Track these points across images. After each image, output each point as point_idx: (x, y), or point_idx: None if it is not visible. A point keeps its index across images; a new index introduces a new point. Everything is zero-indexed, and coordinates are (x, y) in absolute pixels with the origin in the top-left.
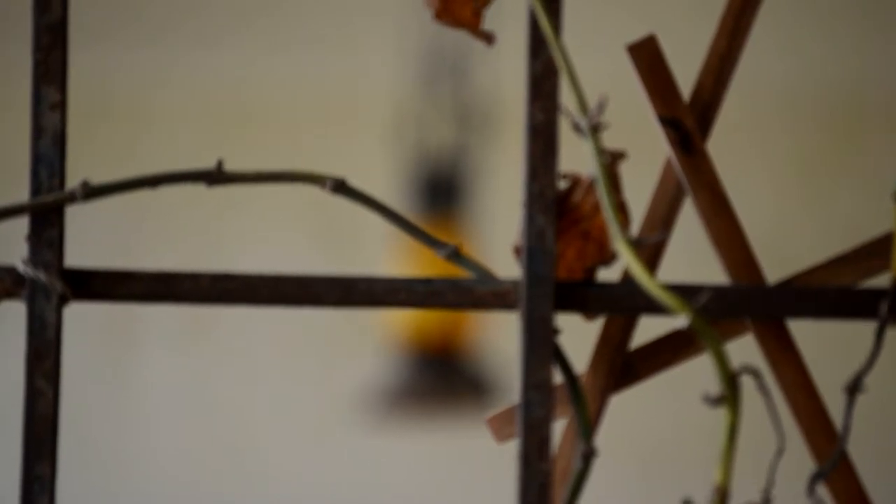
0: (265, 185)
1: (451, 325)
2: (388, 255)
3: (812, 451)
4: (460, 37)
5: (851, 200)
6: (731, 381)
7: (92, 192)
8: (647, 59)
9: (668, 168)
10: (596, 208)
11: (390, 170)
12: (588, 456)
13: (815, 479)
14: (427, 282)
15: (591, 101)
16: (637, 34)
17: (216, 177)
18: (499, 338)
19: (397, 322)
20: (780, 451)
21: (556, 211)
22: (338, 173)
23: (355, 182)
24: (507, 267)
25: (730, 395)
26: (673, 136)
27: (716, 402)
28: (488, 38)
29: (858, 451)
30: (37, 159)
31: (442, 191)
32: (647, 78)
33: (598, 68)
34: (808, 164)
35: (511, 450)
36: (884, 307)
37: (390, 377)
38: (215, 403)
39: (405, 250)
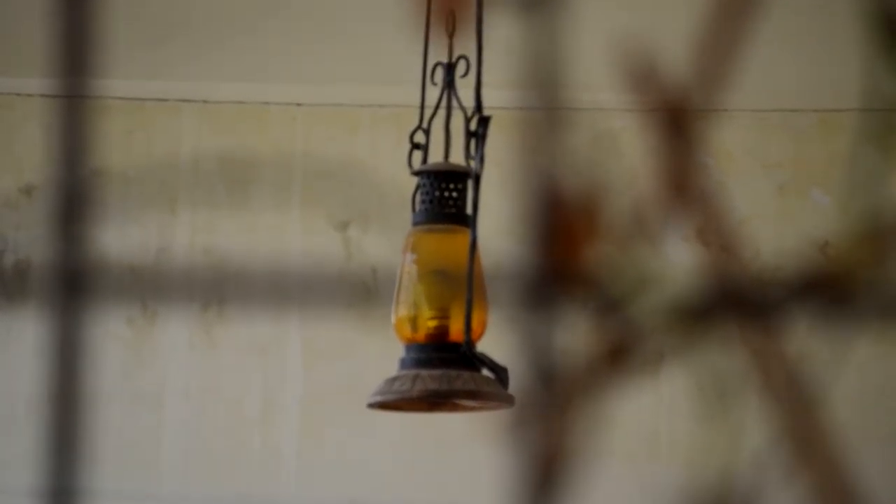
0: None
1: (454, 319)
2: (400, 246)
3: (796, 444)
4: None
5: (839, 203)
6: (713, 384)
7: (110, 190)
8: (641, 58)
9: (659, 166)
10: (591, 213)
11: (406, 173)
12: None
13: (790, 469)
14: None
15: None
16: (632, 34)
17: (227, 176)
18: (497, 335)
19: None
20: (764, 445)
21: (554, 215)
22: (354, 174)
23: (371, 183)
24: (501, 260)
25: (712, 397)
26: (665, 135)
27: (702, 400)
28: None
29: (854, 447)
30: (56, 159)
31: (448, 192)
32: (639, 77)
33: (594, 68)
34: (799, 167)
35: (497, 434)
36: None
37: (398, 370)
38: (225, 395)
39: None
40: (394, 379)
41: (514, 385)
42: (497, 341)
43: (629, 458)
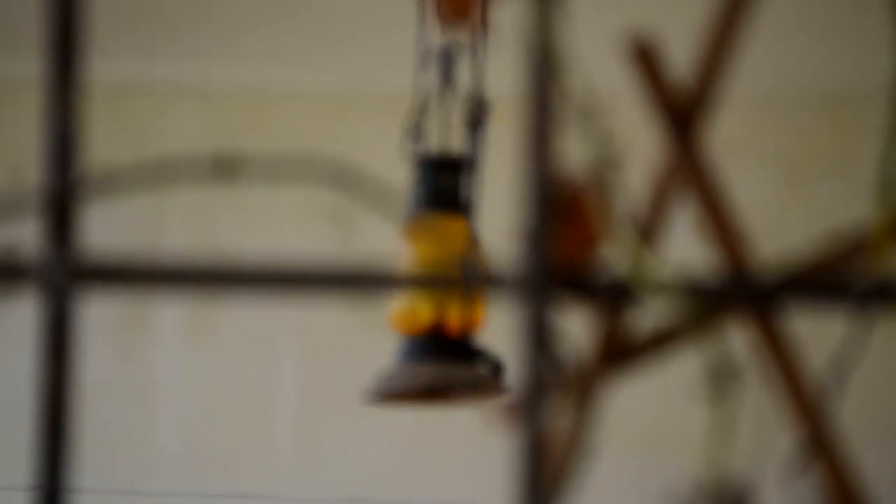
0: (274, 178)
1: (452, 313)
2: (397, 238)
3: (800, 437)
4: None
5: (842, 193)
6: (717, 375)
7: (102, 183)
8: (642, 52)
9: (662, 159)
10: (594, 203)
11: (404, 164)
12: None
13: (794, 463)
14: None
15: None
16: (633, 28)
17: (222, 169)
18: (497, 325)
19: (399, 310)
20: (765, 439)
21: (555, 205)
22: (350, 164)
23: (368, 173)
24: (503, 251)
25: (717, 387)
26: (668, 128)
27: (703, 394)
28: (489, 37)
29: (856, 437)
30: (49, 150)
31: (447, 184)
32: (641, 71)
33: (596, 62)
34: (801, 157)
35: (491, 433)
36: (858, 296)
37: (395, 364)
38: (220, 390)
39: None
40: (390, 373)
41: (516, 379)
42: (499, 334)
43: (632, 452)
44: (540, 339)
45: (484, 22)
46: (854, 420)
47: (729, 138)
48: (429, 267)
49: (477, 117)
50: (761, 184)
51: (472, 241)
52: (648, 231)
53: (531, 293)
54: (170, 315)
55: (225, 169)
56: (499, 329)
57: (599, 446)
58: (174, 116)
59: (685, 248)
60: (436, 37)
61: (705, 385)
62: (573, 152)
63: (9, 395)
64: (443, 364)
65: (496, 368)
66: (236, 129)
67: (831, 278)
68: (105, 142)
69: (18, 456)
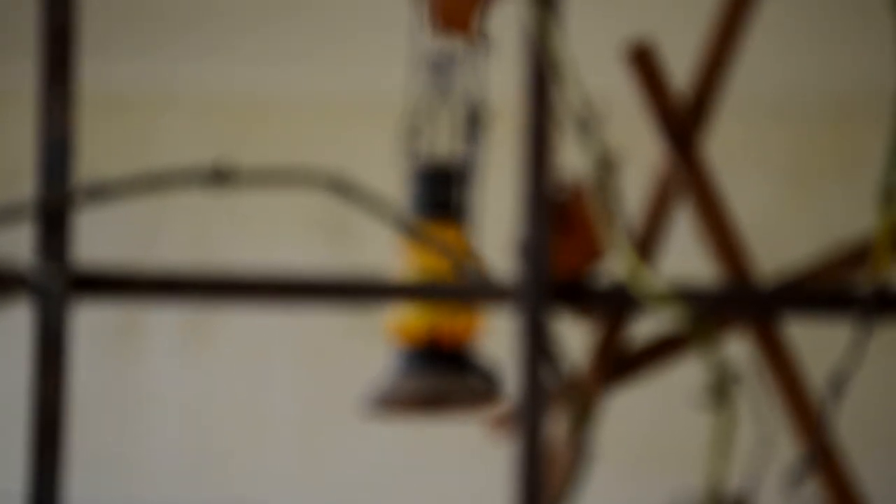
0: (270, 187)
1: (448, 323)
2: (393, 248)
3: (801, 445)
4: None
5: (844, 202)
6: (717, 384)
7: (96, 192)
8: (642, 59)
9: (662, 167)
10: (592, 212)
11: (399, 172)
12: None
13: (795, 472)
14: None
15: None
16: (633, 36)
17: (218, 178)
18: (495, 336)
19: (397, 321)
20: (765, 448)
21: (554, 214)
22: (346, 173)
23: (363, 183)
24: (502, 262)
25: (717, 397)
26: (667, 135)
27: (703, 403)
28: (487, 45)
29: (854, 447)
30: (43, 159)
31: (443, 193)
32: (641, 78)
33: (595, 70)
34: (802, 165)
35: (493, 440)
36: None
37: (391, 375)
38: (217, 401)
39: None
40: (386, 384)
41: (514, 389)
42: (499, 343)
43: (631, 462)
44: (538, 349)
45: (482, 29)
46: (854, 429)
47: (729, 145)
48: (425, 277)
49: (474, 125)
50: (762, 191)
51: (469, 251)
52: (648, 239)
53: (529, 303)
54: (166, 325)
55: (222, 178)
56: (499, 338)
57: (598, 456)
58: (169, 124)
59: (684, 257)
60: (432, 44)
61: (705, 395)
62: (572, 160)
63: (2, 404)
64: (439, 375)
65: (492, 379)
66: (232, 136)
67: (832, 288)
68: (99, 151)
69: (12, 465)
